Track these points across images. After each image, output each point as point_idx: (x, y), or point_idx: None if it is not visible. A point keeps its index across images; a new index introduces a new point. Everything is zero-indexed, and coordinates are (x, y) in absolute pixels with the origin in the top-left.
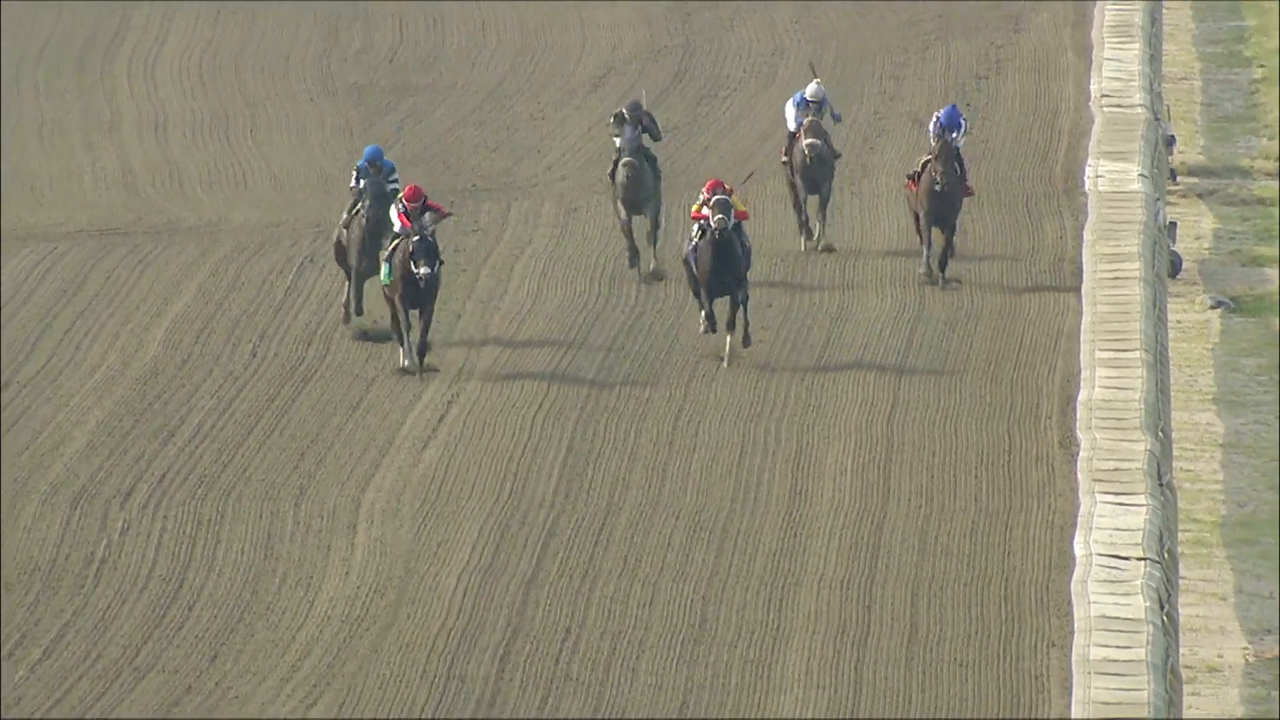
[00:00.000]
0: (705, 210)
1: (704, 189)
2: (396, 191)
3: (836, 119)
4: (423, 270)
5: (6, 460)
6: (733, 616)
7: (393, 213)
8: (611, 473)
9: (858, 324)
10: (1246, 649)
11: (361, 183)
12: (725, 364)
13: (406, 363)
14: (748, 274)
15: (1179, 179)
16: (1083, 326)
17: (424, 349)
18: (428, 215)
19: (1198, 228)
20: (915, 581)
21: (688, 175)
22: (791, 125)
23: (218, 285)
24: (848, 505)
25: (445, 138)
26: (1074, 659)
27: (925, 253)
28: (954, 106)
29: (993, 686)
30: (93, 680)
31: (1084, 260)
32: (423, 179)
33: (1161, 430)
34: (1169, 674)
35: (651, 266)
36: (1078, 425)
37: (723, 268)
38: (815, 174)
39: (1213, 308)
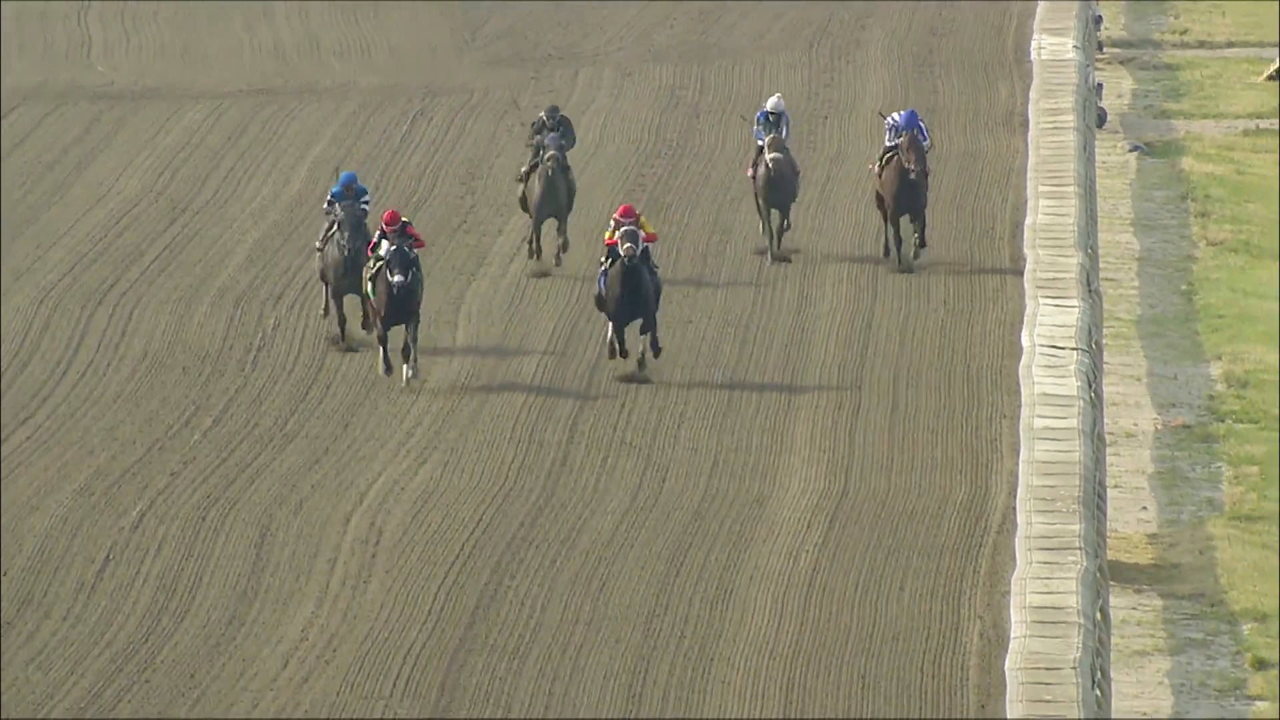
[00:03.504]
0: (617, 236)
1: (616, 213)
2: (367, 214)
3: (786, 135)
4: (396, 278)
5: (184, 270)
6: (753, 394)
7: (376, 235)
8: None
9: (849, 165)
10: (1156, 419)
11: (336, 207)
12: (637, 379)
13: (384, 369)
14: (654, 302)
15: (1105, 49)
16: (1028, 166)
17: (407, 354)
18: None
19: (1119, 88)
20: (897, 366)
21: (719, 47)
22: (759, 141)
23: (348, 134)
24: (843, 306)
25: (526, 17)
26: (1021, 427)
27: (888, 237)
28: (913, 111)
29: (957, 449)
30: (251, 443)
31: (1029, 114)
32: (509, 49)
33: (1090, 248)
34: (1096, 439)
35: (556, 261)
36: (1024, 244)
37: (631, 295)
38: (777, 188)
39: (1131, 151)
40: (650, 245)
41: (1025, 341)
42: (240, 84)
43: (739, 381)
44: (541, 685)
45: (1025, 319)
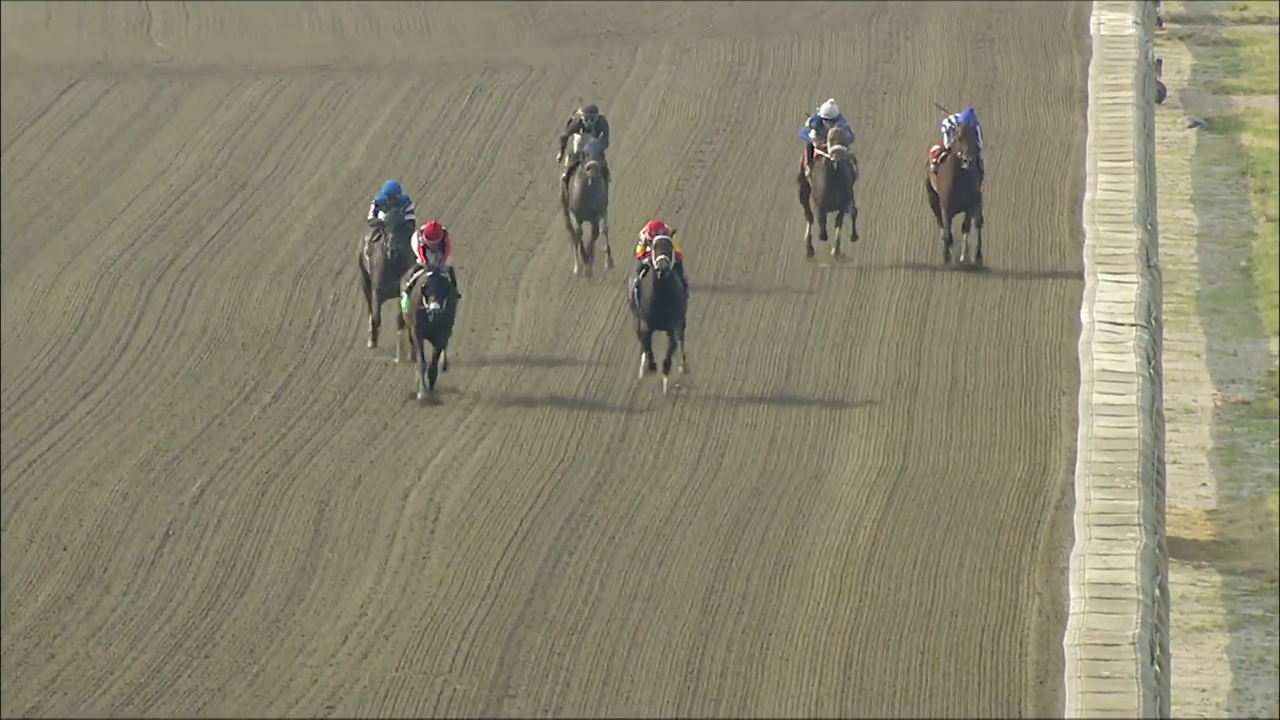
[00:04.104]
0: (648, 250)
1: (644, 230)
2: (413, 223)
3: (849, 139)
4: (432, 306)
5: (243, 246)
6: (812, 370)
7: (414, 243)
8: (715, 258)
9: (908, 141)
10: (1215, 395)
11: (381, 215)
12: (665, 392)
13: (421, 395)
14: (685, 312)
15: (1164, 25)
16: (1088, 142)
17: (435, 374)
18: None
19: (1179, 64)
20: (955, 343)
21: (777, 23)
22: (805, 140)
23: (407, 110)
24: (902, 282)
25: None
26: (1080, 403)
27: (945, 234)
28: (971, 110)
29: (1016, 426)
30: (310, 419)
31: (1089, 90)
32: (568, 26)
33: (1149, 223)
34: (1154, 415)
35: (608, 261)
36: (1083, 219)
37: (663, 305)
38: (835, 185)
39: (1190, 127)
40: (681, 257)
41: (1084, 317)
42: (299, 60)
43: (798, 356)
44: (600, 661)
45: (1084, 295)
